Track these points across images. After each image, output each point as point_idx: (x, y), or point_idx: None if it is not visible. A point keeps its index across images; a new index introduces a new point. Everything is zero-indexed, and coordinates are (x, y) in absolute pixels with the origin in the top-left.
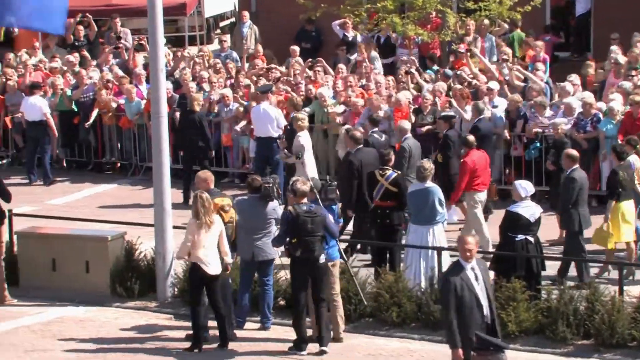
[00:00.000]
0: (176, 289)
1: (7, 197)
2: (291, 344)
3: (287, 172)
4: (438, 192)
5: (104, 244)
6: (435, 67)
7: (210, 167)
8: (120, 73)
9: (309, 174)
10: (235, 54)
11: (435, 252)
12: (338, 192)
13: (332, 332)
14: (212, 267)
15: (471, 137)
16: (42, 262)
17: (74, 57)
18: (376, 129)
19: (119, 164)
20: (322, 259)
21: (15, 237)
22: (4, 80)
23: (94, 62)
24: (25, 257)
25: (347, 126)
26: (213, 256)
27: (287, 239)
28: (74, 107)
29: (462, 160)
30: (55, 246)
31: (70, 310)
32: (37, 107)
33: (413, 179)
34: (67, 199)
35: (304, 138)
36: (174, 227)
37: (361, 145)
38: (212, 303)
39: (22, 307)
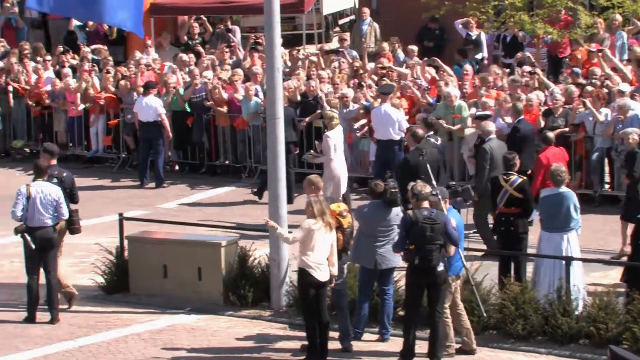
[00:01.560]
0: (291, 298)
1: (76, 200)
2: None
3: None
4: (573, 197)
5: (217, 250)
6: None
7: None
8: (240, 72)
9: (338, 174)
10: (354, 53)
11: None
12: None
13: (463, 344)
14: (323, 274)
15: (550, 134)
16: (153, 268)
17: (188, 57)
18: (431, 133)
19: (232, 167)
20: (441, 267)
21: (126, 241)
22: (119, 78)
23: (207, 61)
24: (136, 263)
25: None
26: (325, 262)
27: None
28: (187, 107)
29: (537, 157)
30: (167, 252)
31: (181, 318)
32: (151, 107)
33: None
34: (179, 203)
35: (334, 137)
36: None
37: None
38: (318, 311)
39: (132, 315)
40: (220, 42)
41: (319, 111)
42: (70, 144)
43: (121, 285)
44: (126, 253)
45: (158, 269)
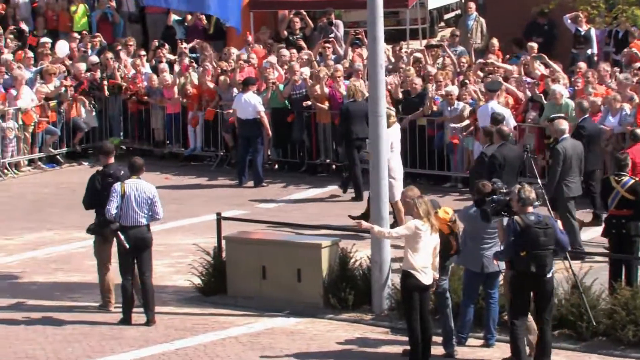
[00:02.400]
0: (393, 301)
1: None
2: None
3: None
4: None
5: (317, 251)
6: None
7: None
8: (340, 68)
9: (394, 174)
10: (461, 48)
11: None
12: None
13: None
14: (427, 277)
15: (638, 130)
16: (252, 270)
17: (288, 52)
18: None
19: (334, 166)
20: (550, 274)
21: (223, 242)
22: (218, 74)
23: (305, 56)
24: (233, 264)
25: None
26: (429, 265)
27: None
28: (287, 104)
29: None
30: (266, 253)
31: (280, 322)
32: (250, 104)
33: (572, 182)
34: (278, 203)
35: (391, 135)
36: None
37: (506, 141)
38: (420, 315)
39: (230, 317)
40: (322, 37)
41: (421, 109)
42: (168, 142)
43: (218, 286)
44: (224, 254)
45: (256, 271)
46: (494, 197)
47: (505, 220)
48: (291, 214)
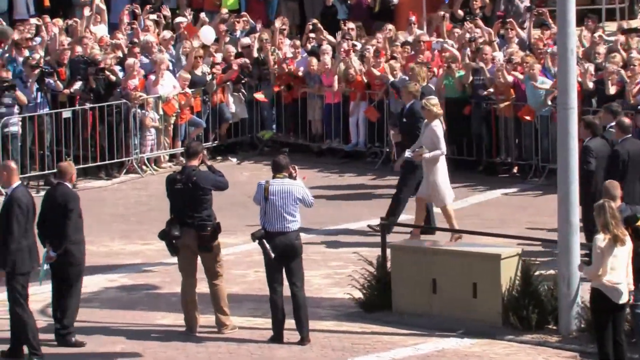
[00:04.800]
0: (583, 321)
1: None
2: None
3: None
4: None
5: (496, 263)
6: None
7: None
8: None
9: (441, 176)
10: None
11: None
12: None
13: None
14: (620, 295)
15: None
16: (420, 283)
17: (469, 33)
18: (613, 123)
19: (515, 168)
20: None
21: (388, 251)
22: (388, 58)
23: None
24: (399, 276)
25: None
26: (623, 281)
27: None
28: (465, 93)
29: None
30: (436, 264)
31: (452, 343)
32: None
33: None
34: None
35: (439, 130)
36: (582, 244)
37: (629, 135)
38: (614, 337)
39: (395, 337)
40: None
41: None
42: (327, 137)
43: (382, 301)
44: (389, 264)
45: (425, 284)
46: None
47: None
48: (466, 220)
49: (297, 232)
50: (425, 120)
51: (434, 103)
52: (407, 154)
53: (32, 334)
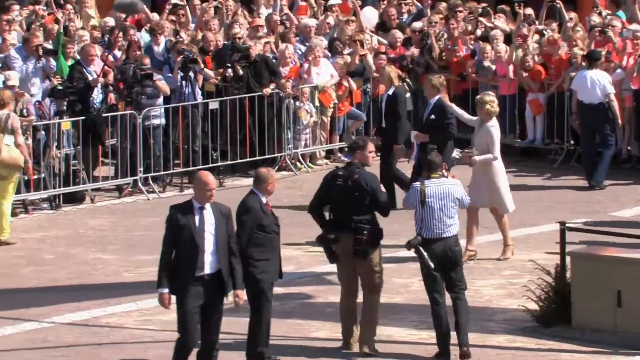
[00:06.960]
0: None
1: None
2: None
3: None
4: None
5: None
6: None
7: None
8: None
9: (502, 179)
10: None
11: None
12: None
13: None
14: None
15: None
16: (603, 295)
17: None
18: None
19: None
20: None
21: (568, 259)
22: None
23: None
24: (580, 287)
25: None
26: None
27: None
28: None
29: None
30: (622, 274)
31: None
32: (598, 84)
33: None
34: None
35: (496, 130)
36: None
37: None
38: None
39: (574, 354)
40: None
41: None
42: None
43: (561, 315)
44: (568, 274)
45: (610, 297)
46: None
47: None
48: None
49: (456, 236)
50: (478, 118)
51: (490, 100)
52: (456, 153)
53: None
